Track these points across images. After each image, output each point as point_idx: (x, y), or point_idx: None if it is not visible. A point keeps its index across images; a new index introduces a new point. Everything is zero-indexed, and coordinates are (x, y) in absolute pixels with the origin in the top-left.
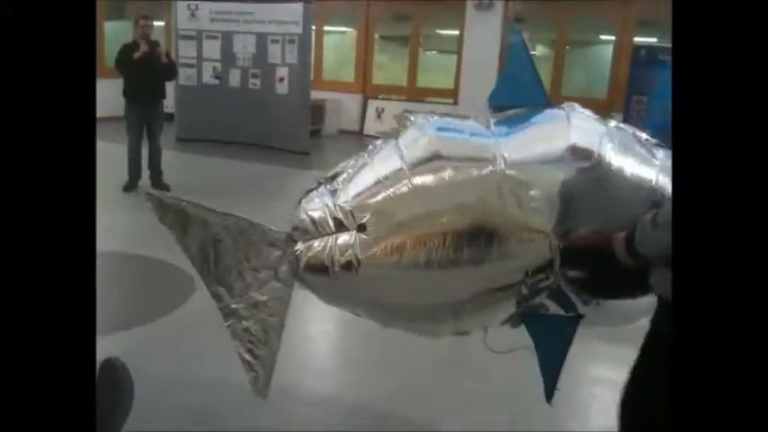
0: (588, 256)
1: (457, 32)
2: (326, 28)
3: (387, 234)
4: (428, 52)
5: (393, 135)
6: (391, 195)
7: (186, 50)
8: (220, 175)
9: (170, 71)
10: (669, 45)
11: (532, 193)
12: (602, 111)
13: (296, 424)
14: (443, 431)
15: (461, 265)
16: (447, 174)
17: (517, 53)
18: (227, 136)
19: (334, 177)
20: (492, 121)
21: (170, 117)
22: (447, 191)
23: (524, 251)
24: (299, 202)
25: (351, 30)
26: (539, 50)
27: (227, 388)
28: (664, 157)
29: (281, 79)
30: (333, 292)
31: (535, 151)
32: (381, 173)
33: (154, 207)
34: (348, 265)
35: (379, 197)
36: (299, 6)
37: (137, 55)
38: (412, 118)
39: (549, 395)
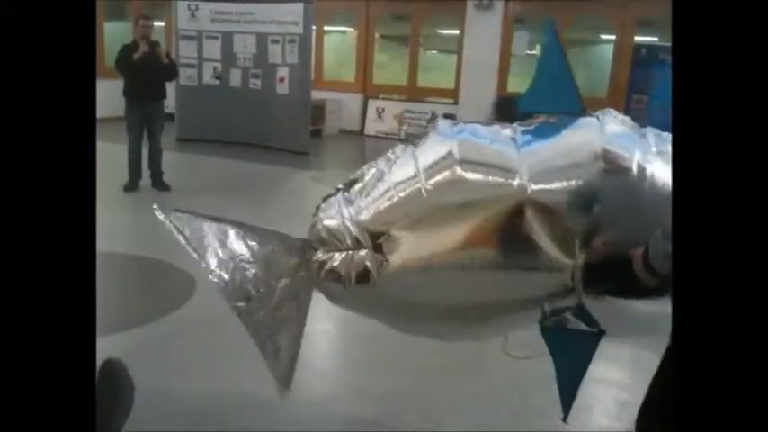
0: (610, 273)
1: (457, 32)
2: (327, 28)
3: (403, 248)
4: (428, 52)
5: (412, 141)
6: (406, 203)
7: (187, 51)
8: (221, 176)
9: (170, 71)
10: (669, 44)
11: (555, 210)
12: (602, 109)
13: (296, 424)
14: (443, 431)
15: (481, 275)
16: (467, 184)
17: (551, 57)
18: (228, 136)
19: (352, 184)
20: (519, 129)
21: (170, 117)
22: (465, 197)
23: (545, 270)
24: (317, 209)
25: (351, 30)
26: (539, 50)
27: (228, 388)
28: None
29: (282, 79)
30: (350, 301)
31: (563, 162)
32: (398, 182)
33: (170, 225)
34: (366, 281)
35: (393, 207)
36: (299, 6)
37: (137, 55)
38: (435, 123)
39: (566, 412)
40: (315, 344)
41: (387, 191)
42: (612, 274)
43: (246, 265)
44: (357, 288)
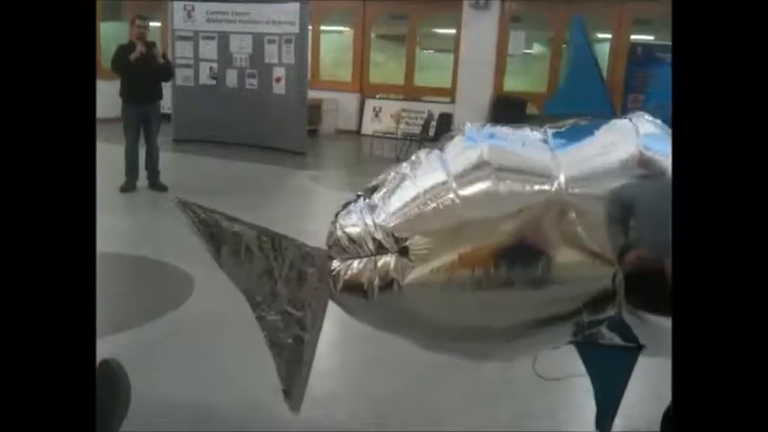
0: (650, 282)
1: (454, 31)
2: (323, 27)
3: (431, 256)
4: (425, 51)
5: (438, 145)
6: (435, 212)
7: (183, 51)
8: (218, 176)
9: (167, 72)
10: (665, 43)
11: (595, 214)
12: None
13: (294, 424)
14: (443, 431)
15: (512, 288)
16: (499, 189)
17: (580, 57)
18: (225, 136)
19: (373, 190)
20: (550, 131)
21: (167, 118)
22: (498, 208)
23: (584, 280)
24: (336, 217)
25: (347, 29)
26: (535, 49)
27: (226, 388)
28: None
29: (278, 79)
30: (371, 314)
31: (599, 166)
32: (424, 187)
33: (186, 217)
34: (389, 289)
35: (422, 215)
36: (295, 6)
37: (133, 56)
38: (462, 126)
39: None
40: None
41: (415, 197)
42: (646, 289)
43: (264, 272)
44: (380, 299)
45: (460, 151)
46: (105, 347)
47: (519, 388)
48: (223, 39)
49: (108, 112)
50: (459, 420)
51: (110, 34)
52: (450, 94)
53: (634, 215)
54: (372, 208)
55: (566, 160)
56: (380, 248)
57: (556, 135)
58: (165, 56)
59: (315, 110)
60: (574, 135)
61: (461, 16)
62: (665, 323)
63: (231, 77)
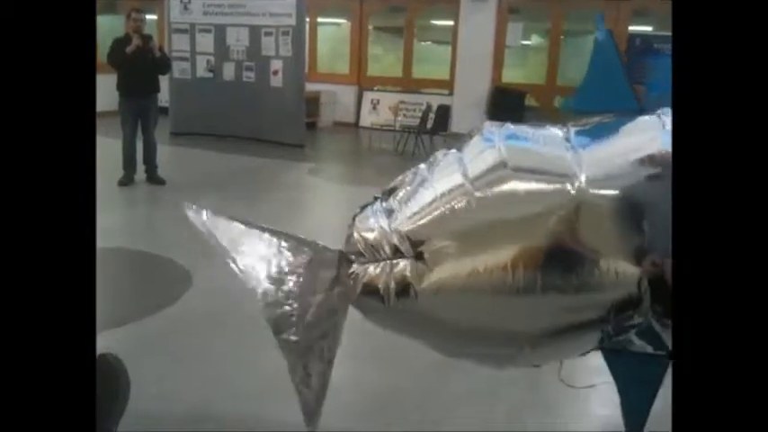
0: (664, 294)
1: (452, 23)
2: (320, 20)
3: (447, 261)
4: (423, 43)
5: (456, 145)
6: (452, 216)
7: (179, 44)
8: (216, 169)
9: (163, 65)
10: (664, 34)
11: (618, 216)
12: None
13: (293, 421)
14: (443, 428)
15: (533, 293)
16: (518, 190)
17: (604, 52)
18: (222, 129)
19: (391, 193)
20: (573, 129)
21: (164, 111)
22: (518, 210)
23: (608, 285)
24: (353, 219)
25: (345, 21)
26: (534, 40)
27: (224, 384)
28: None
29: (276, 72)
30: (389, 319)
31: (623, 166)
32: (441, 189)
33: (198, 224)
34: (406, 294)
35: (438, 218)
36: None
37: (129, 49)
38: (481, 127)
39: None
40: None
41: (432, 201)
42: (666, 296)
43: (281, 277)
44: (397, 304)
45: (479, 152)
46: (102, 342)
47: (521, 384)
48: (220, 31)
49: (105, 106)
50: (460, 418)
51: (106, 28)
52: (448, 86)
53: (658, 217)
54: (389, 211)
55: (588, 159)
56: (397, 253)
57: (579, 133)
58: (161, 49)
59: (312, 102)
60: (597, 133)
61: (459, 8)
62: None
63: (228, 70)
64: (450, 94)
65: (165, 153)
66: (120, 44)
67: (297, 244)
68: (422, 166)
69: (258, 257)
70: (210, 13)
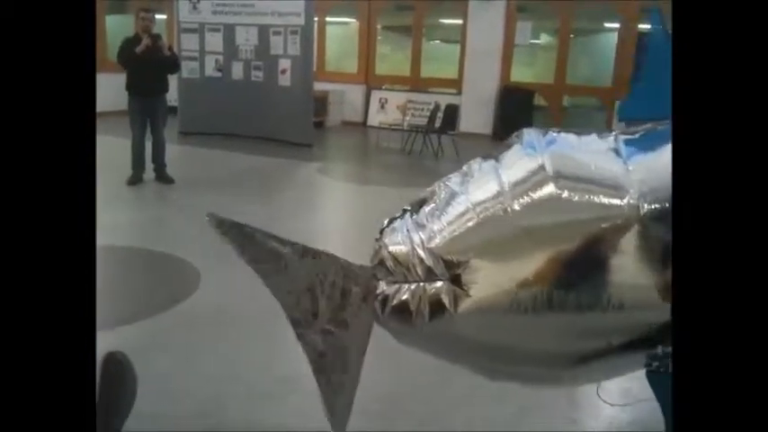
0: None
1: (460, 21)
2: (329, 19)
3: (486, 281)
4: (431, 42)
5: (493, 155)
6: (491, 233)
7: (188, 43)
8: (224, 168)
9: (172, 64)
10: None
11: (669, 234)
12: (608, 98)
13: (301, 418)
14: (447, 427)
15: (577, 312)
16: (563, 204)
17: (658, 54)
18: (231, 129)
19: (421, 204)
20: (621, 138)
21: (173, 110)
22: (562, 226)
23: (655, 307)
24: (381, 234)
25: (353, 20)
26: (543, 39)
27: (231, 381)
28: None
29: (284, 71)
30: (421, 341)
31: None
32: (478, 202)
33: (220, 233)
34: (440, 317)
35: (476, 236)
36: None
37: (139, 49)
38: (520, 134)
39: None
40: None
41: (465, 212)
42: None
43: (305, 289)
44: (430, 327)
45: (518, 161)
46: (112, 339)
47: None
48: (229, 31)
49: (114, 105)
50: (463, 416)
51: (115, 27)
52: (456, 85)
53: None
54: (420, 226)
55: (640, 171)
56: (430, 274)
57: (628, 143)
58: (170, 48)
59: (321, 102)
60: (648, 143)
61: (468, 6)
62: None
63: (237, 70)
64: (459, 93)
65: (174, 152)
66: (129, 44)
67: (323, 258)
68: (453, 176)
69: (281, 270)
70: (219, 12)
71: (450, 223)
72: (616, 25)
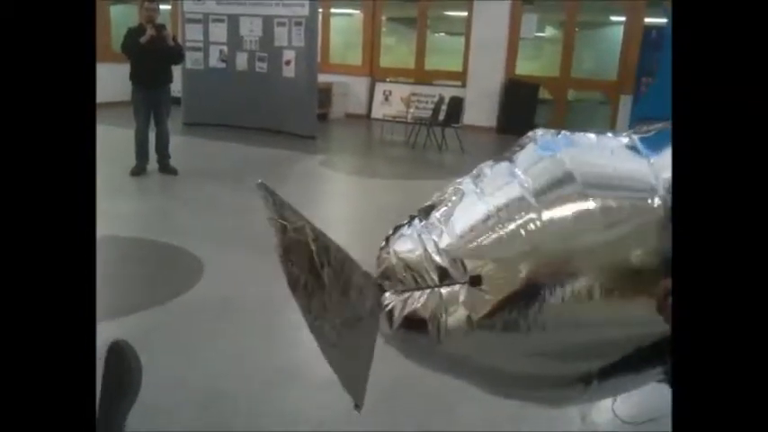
0: None
1: (465, 14)
2: (333, 10)
3: (510, 286)
4: (436, 34)
5: (505, 156)
6: (513, 234)
7: (193, 34)
8: (228, 160)
9: (177, 55)
10: None
11: None
12: (613, 92)
13: (304, 408)
14: (450, 424)
15: (608, 320)
16: (590, 206)
17: None
18: (235, 120)
19: (430, 210)
20: (636, 137)
21: (177, 101)
22: (592, 227)
23: None
24: (387, 241)
25: (357, 12)
26: (548, 32)
27: (234, 372)
28: None
29: (288, 62)
30: (433, 356)
31: None
32: (496, 204)
33: (266, 201)
34: (458, 327)
35: (497, 237)
36: None
37: (143, 39)
38: (533, 135)
39: None
40: None
41: (487, 217)
42: None
43: (318, 282)
44: (447, 338)
45: (536, 162)
46: (115, 329)
47: None
48: (233, 21)
49: (118, 96)
50: (466, 414)
51: (120, 17)
52: (461, 77)
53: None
54: (433, 229)
55: (663, 169)
56: (445, 277)
57: (645, 141)
58: (174, 39)
59: (325, 93)
60: (662, 141)
61: None
62: None
63: (241, 61)
64: (463, 85)
65: (178, 143)
66: (133, 34)
67: (342, 257)
68: (463, 179)
69: (304, 258)
70: (224, 2)
71: (469, 227)
72: (622, 19)
